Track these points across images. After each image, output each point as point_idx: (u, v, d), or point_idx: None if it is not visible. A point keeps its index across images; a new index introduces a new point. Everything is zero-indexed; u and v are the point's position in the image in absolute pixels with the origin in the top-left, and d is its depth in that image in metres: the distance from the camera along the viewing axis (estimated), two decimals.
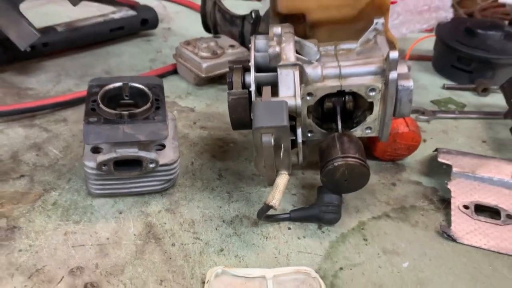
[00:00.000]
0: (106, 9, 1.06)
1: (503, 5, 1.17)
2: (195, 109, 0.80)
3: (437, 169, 0.68)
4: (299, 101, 0.53)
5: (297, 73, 0.54)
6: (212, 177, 0.64)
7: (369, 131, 0.58)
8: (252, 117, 0.52)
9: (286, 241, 0.55)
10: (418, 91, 0.91)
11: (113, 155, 0.53)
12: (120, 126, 0.54)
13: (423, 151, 0.72)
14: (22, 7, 0.81)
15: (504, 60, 0.90)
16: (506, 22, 1.15)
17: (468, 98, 0.90)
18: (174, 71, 0.90)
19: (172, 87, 0.85)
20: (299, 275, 0.49)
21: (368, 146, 0.68)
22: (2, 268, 0.49)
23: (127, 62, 0.95)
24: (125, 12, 1.02)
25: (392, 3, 1.08)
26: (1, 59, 0.86)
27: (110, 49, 0.99)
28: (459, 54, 0.93)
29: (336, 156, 0.53)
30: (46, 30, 0.89)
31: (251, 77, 0.56)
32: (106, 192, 0.58)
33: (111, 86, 0.58)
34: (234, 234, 0.55)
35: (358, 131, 0.58)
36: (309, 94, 0.55)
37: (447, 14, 0.98)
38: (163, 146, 0.58)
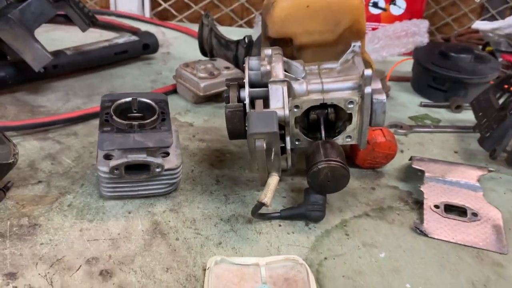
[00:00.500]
0: (110, 35, 1.15)
1: (477, 31, 1.26)
2: (194, 124, 0.88)
3: (412, 176, 0.76)
4: (287, 111, 0.61)
5: (285, 88, 0.62)
6: (211, 182, 0.71)
7: (349, 139, 0.66)
8: (246, 127, 0.60)
9: (277, 236, 0.62)
10: (397, 108, 1.00)
11: (124, 160, 0.60)
12: (131, 134, 0.61)
13: (400, 160, 0.80)
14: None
15: (475, 80, 0.99)
16: (480, 47, 1.26)
17: (443, 114, 0.99)
18: (174, 91, 0.98)
19: (172, 105, 0.91)
20: (288, 262, 0.56)
21: (350, 156, 0.76)
22: (27, 258, 0.55)
23: (130, 83, 1.03)
24: (128, 38, 1.11)
25: (373, 29, 1.18)
26: (15, 79, 0.93)
27: (114, 71, 1.07)
28: (434, 75, 1.02)
29: (320, 160, 0.61)
30: (57, 53, 0.97)
31: (245, 92, 0.64)
32: (117, 195, 0.65)
33: (122, 100, 0.66)
34: (231, 230, 0.62)
35: (340, 139, 0.66)
36: (296, 106, 0.63)
37: (423, 39, 1.07)
38: (168, 154, 0.66)
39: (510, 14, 1.37)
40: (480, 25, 1.18)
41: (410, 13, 1.23)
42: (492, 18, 1.46)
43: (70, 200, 0.65)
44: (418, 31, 1.08)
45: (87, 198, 0.66)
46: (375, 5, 1.24)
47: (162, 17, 1.53)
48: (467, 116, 0.96)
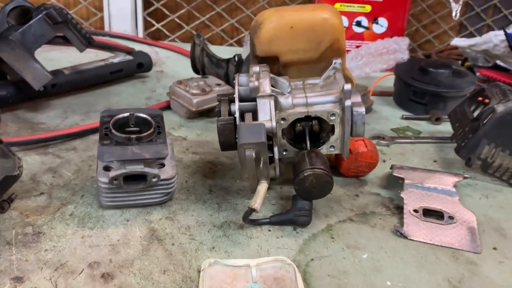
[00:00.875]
0: (105, 54, 1.20)
1: (456, 47, 1.33)
2: (187, 138, 0.92)
3: (393, 183, 0.81)
4: (274, 123, 0.66)
5: (272, 102, 0.67)
6: (204, 192, 0.76)
7: (333, 149, 0.71)
8: (237, 138, 0.65)
9: (267, 240, 0.66)
10: (380, 121, 1.05)
11: (123, 170, 0.65)
12: (129, 147, 0.66)
13: (382, 169, 0.84)
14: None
15: (453, 94, 1.05)
16: (459, 62, 1.32)
17: (423, 126, 1.04)
18: (167, 107, 1.03)
19: (166, 120, 0.95)
20: (277, 263, 0.60)
21: (335, 165, 0.81)
22: (33, 263, 0.59)
23: (125, 100, 1.08)
24: (123, 57, 1.16)
25: (357, 47, 1.24)
26: (15, 98, 0.97)
27: (110, 89, 1.12)
28: (414, 89, 1.07)
29: (305, 168, 0.65)
30: (55, 73, 1.02)
31: (235, 106, 0.69)
32: (116, 204, 0.69)
33: (120, 115, 0.70)
34: (223, 235, 0.67)
35: (324, 149, 0.71)
36: (283, 119, 0.68)
37: (403, 55, 1.13)
38: (163, 165, 0.70)
39: (487, 31, 1.44)
40: (458, 41, 1.24)
41: (392, 31, 1.30)
42: (471, 35, 1.54)
43: (71, 210, 0.69)
44: (399, 48, 1.14)
45: (87, 208, 0.70)
46: (359, 24, 1.31)
47: (155, 37, 1.58)
48: (446, 127, 1.02)
